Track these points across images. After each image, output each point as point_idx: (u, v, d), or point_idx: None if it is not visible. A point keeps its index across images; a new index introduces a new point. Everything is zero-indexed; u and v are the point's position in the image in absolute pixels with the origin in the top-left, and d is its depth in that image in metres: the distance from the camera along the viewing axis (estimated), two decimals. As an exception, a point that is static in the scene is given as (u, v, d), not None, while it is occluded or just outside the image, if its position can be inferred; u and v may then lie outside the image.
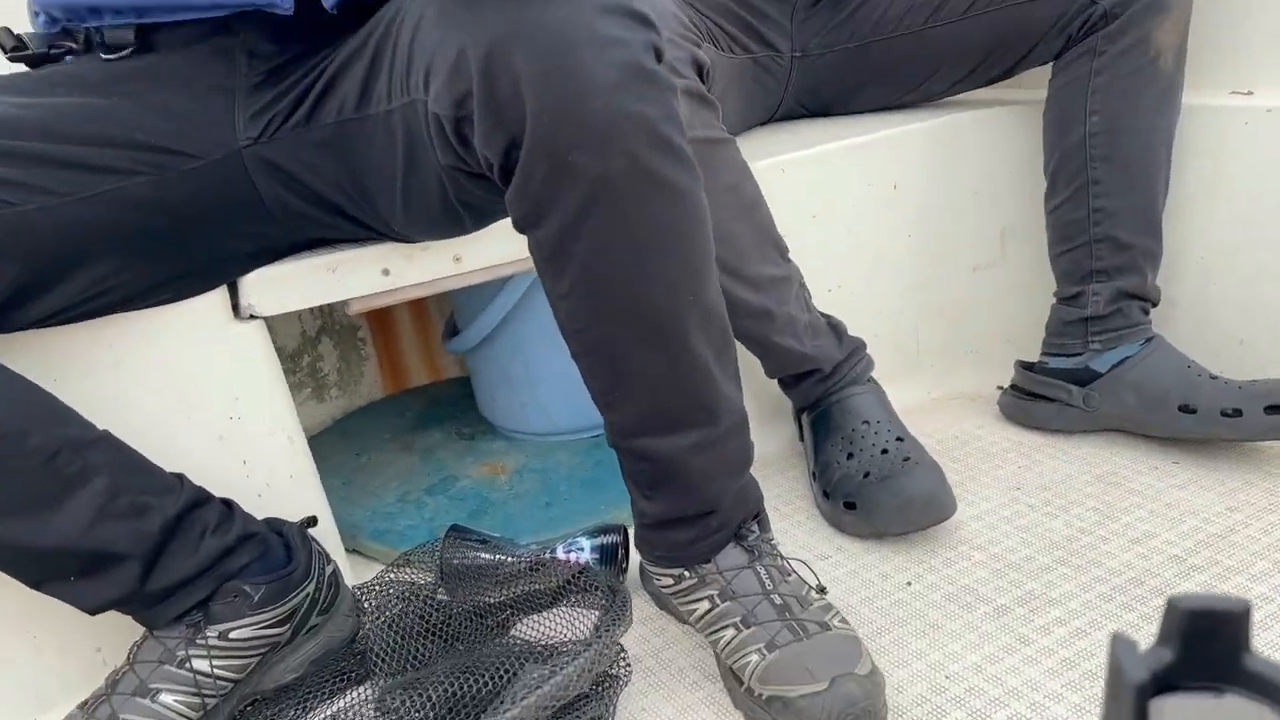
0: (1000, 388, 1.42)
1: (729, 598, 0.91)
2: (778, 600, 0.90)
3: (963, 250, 1.48)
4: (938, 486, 1.11)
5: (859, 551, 1.13)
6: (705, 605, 0.92)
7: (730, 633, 0.89)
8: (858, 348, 1.25)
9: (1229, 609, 0.31)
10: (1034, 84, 1.46)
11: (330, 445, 1.50)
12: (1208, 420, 1.20)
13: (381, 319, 1.67)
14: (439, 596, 1.00)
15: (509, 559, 1.05)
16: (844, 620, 0.91)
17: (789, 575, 0.93)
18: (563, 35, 0.69)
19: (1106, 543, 1.10)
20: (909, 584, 1.06)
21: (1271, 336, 1.32)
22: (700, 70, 1.05)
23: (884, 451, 1.14)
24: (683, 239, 0.78)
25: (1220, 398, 1.20)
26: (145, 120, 0.91)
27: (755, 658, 0.86)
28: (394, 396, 1.67)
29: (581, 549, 1.06)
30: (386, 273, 1.08)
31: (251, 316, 1.04)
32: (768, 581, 0.91)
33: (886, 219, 1.42)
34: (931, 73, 1.43)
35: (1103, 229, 1.29)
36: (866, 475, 1.13)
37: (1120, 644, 0.31)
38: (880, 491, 1.11)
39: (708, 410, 0.85)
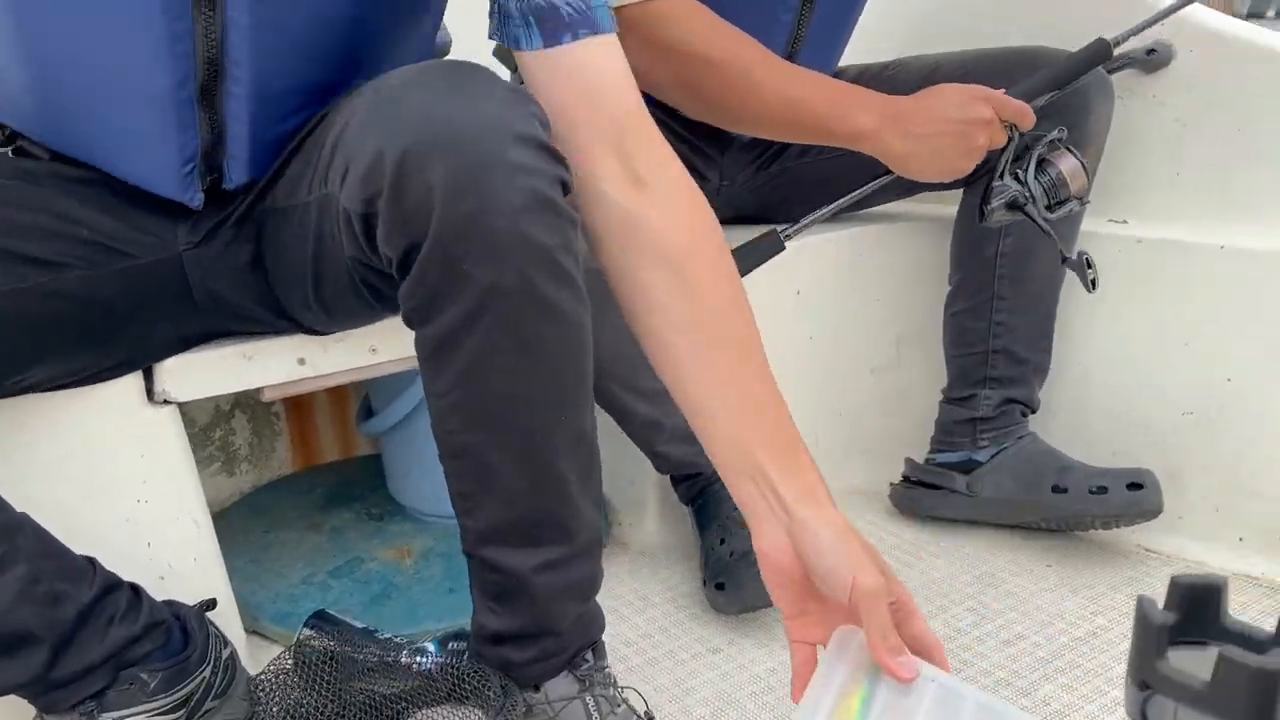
0: (893, 484, 1.50)
1: None
2: None
3: (861, 354, 1.56)
4: None
5: (749, 646, 1.17)
6: None
7: None
8: None
9: (1213, 583, 0.44)
10: (932, 199, 1.56)
11: (238, 521, 1.51)
12: (1077, 498, 1.30)
13: (297, 395, 1.69)
14: (331, 684, 1.02)
15: (358, 656, 1.06)
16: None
17: (618, 706, 0.95)
18: (477, 155, 0.74)
19: (981, 644, 1.17)
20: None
21: (1142, 448, 1.41)
22: None
23: None
24: (562, 361, 0.82)
25: (1088, 477, 1.31)
26: (85, 216, 0.93)
27: None
28: (304, 472, 1.68)
29: (428, 654, 1.07)
30: (302, 362, 1.11)
31: (165, 401, 1.06)
32: (595, 713, 0.93)
33: (789, 323, 1.49)
34: (853, 189, 1.52)
35: (1001, 341, 1.38)
36: (732, 554, 1.19)
37: (1144, 601, 0.44)
38: (746, 568, 1.17)
39: (563, 529, 0.88)
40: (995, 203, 1.20)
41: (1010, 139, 1.18)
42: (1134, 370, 1.42)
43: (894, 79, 1.49)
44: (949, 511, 1.41)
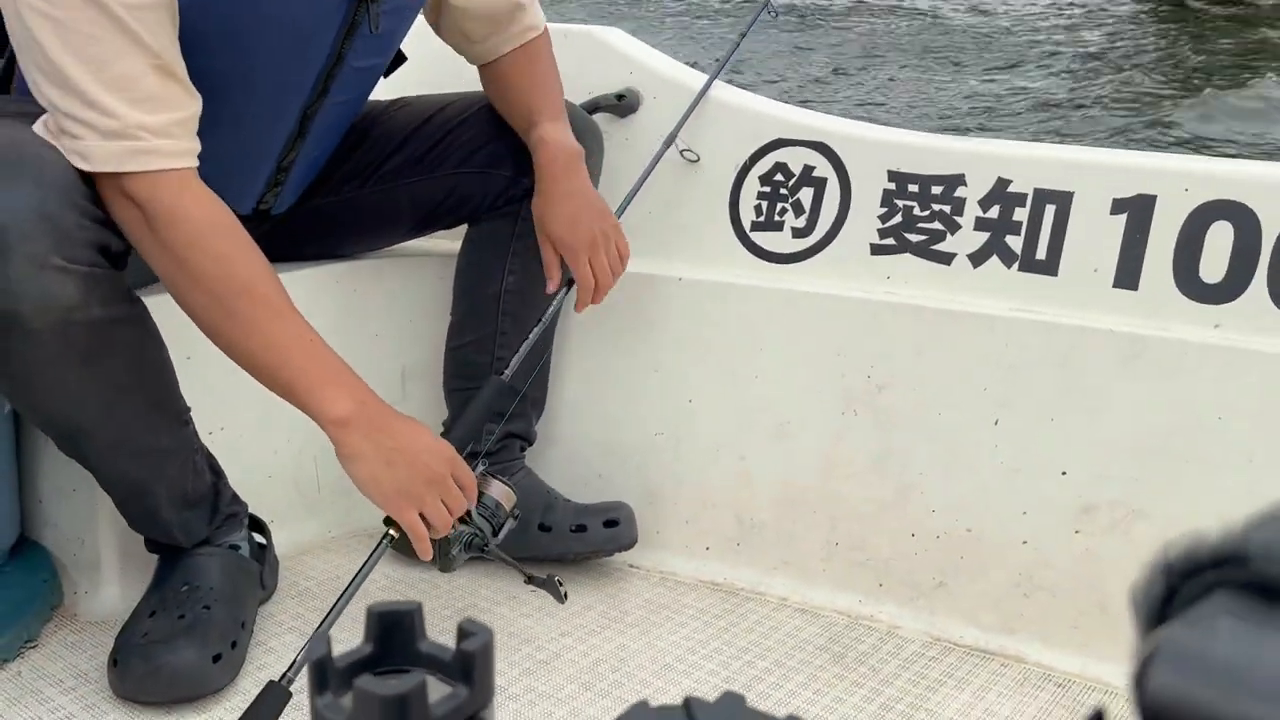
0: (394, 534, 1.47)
1: None
2: None
3: (364, 391, 1.53)
4: (197, 665, 1.10)
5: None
6: None
7: None
8: (234, 515, 1.26)
9: (406, 609, 0.43)
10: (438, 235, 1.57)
11: None
12: (560, 537, 1.38)
13: None
14: None
15: None
16: None
17: None
18: None
19: (445, 677, 1.16)
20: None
21: (625, 471, 1.49)
22: (108, 253, 1.02)
23: (180, 616, 1.13)
24: None
25: (570, 516, 1.38)
26: None
27: None
28: None
29: None
30: None
31: None
32: None
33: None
34: (366, 233, 1.50)
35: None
36: (145, 635, 1.12)
37: (315, 639, 0.41)
38: (134, 657, 1.10)
39: None
40: (455, 550, 1.21)
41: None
42: (617, 398, 1.50)
43: (397, 115, 1.48)
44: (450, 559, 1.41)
